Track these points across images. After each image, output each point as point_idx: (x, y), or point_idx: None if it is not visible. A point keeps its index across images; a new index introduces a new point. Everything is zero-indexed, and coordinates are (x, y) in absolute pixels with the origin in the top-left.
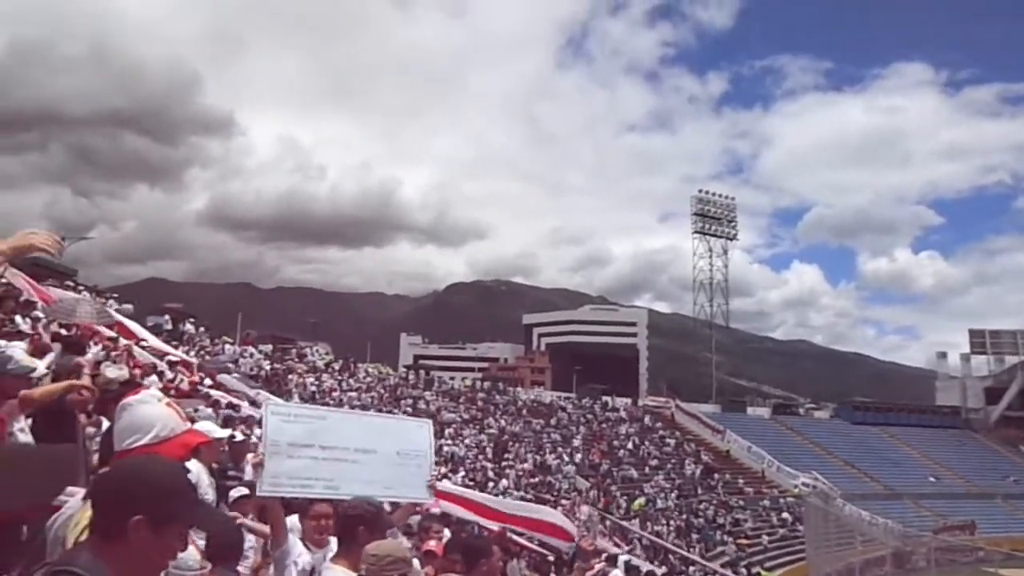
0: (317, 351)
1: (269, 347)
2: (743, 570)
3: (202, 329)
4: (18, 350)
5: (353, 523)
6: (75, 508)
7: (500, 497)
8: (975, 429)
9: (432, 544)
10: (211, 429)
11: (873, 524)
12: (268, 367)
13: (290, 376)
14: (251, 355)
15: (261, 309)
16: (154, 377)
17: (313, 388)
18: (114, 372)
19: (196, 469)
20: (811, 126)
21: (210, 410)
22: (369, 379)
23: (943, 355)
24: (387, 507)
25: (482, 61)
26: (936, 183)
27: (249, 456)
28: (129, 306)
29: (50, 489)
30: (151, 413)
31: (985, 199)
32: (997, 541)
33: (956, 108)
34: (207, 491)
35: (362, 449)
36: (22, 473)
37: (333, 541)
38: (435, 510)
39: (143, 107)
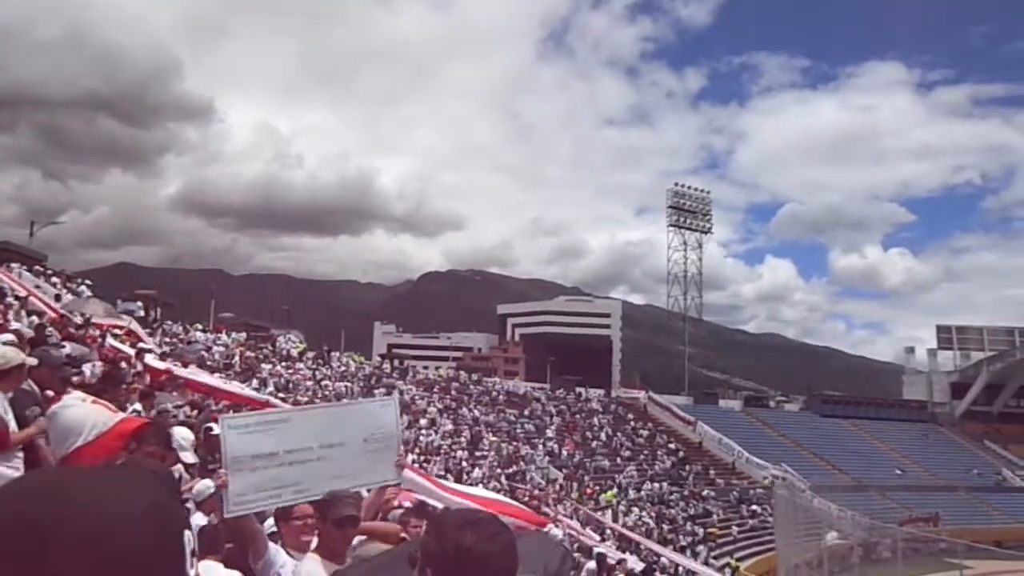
0: (290, 339)
1: (243, 335)
2: (713, 561)
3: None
4: None
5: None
6: None
7: (473, 487)
8: (940, 423)
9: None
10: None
11: (842, 516)
12: (240, 356)
13: (264, 365)
14: (223, 343)
15: (232, 295)
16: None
17: (287, 377)
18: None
19: None
20: (786, 123)
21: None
22: (343, 368)
23: (911, 350)
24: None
25: (463, 52)
26: (907, 181)
27: (196, 483)
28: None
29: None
30: (80, 414)
31: (954, 198)
32: (960, 532)
33: (928, 108)
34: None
35: (327, 444)
36: None
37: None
38: (407, 503)
39: (120, 91)
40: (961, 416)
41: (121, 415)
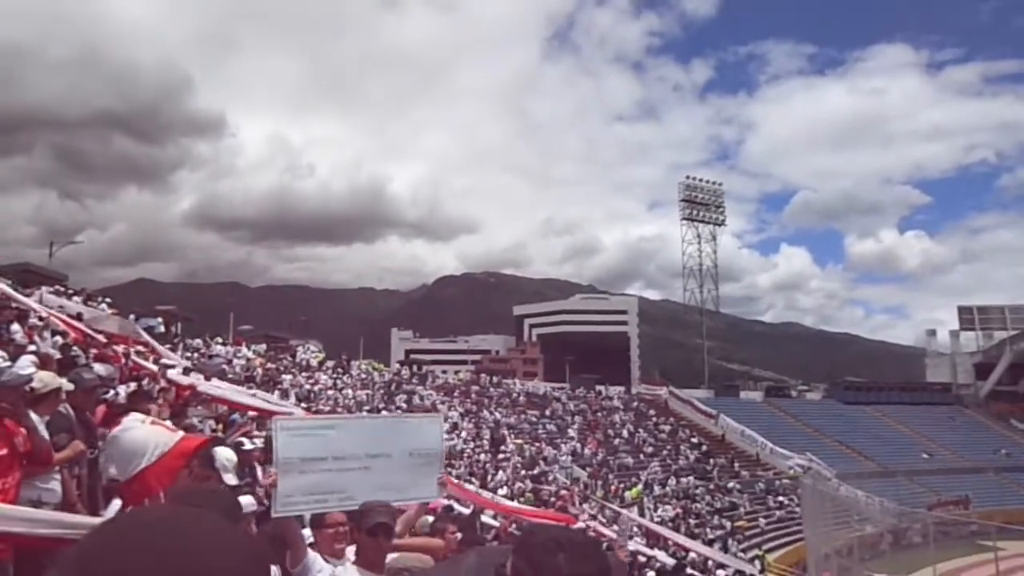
0: (309, 349)
1: (263, 346)
2: (742, 554)
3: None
4: (25, 361)
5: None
6: None
7: (497, 496)
8: (966, 405)
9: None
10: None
11: (869, 503)
12: (261, 368)
13: (284, 376)
14: (243, 355)
15: (250, 308)
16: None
17: (308, 387)
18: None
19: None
20: (795, 110)
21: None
22: (363, 376)
23: (932, 333)
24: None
25: (469, 55)
26: (920, 163)
27: (260, 474)
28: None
29: None
30: (140, 436)
31: (969, 178)
32: (991, 514)
33: (938, 88)
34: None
35: (374, 454)
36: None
37: (350, 550)
38: (443, 502)
39: (134, 109)
40: (986, 397)
41: (181, 434)
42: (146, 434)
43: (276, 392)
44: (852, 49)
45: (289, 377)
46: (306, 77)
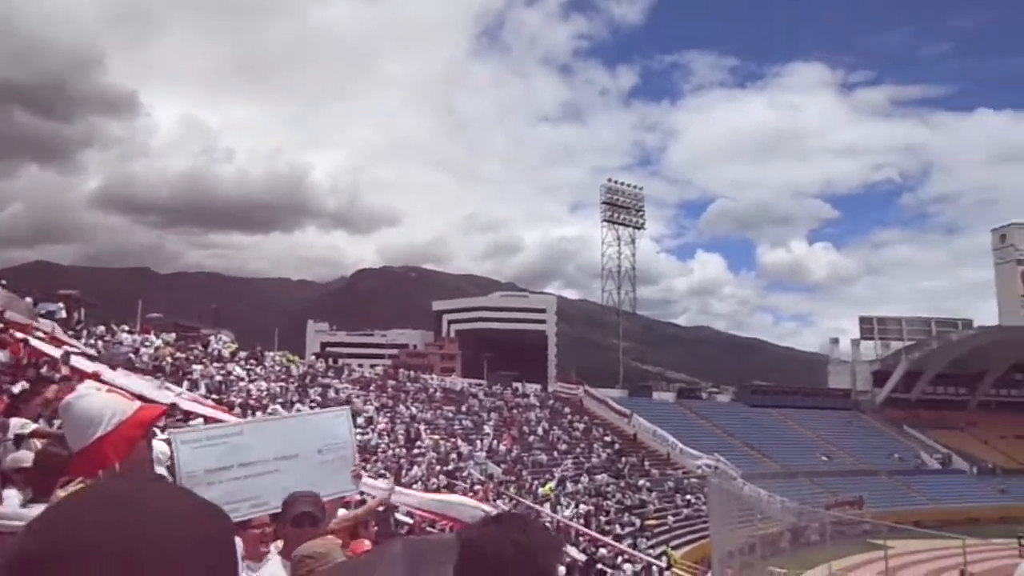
0: (221, 339)
1: (172, 335)
2: (650, 550)
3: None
4: None
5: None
6: None
7: (414, 488)
8: (863, 410)
9: (366, 543)
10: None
11: (771, 502)
12: (170, 357)
13: (195, 366)
14: (152, 344)
15: (160, 295)
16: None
17: (219, 378)
18: None
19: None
20: (716, 121)
21: None
22: (277, 368)
23: (835, 341)
24: None
25: (397, 47)
26: (831, 179)
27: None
28: None
29: None
30: (96, 404)
31: (874, 195)
32: (882, 515)
33: (850, 108)
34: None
35: (283, 456)
36: None
37: (274, 549)
38: (356, 496)
39: (38, 81)
40: (882, 403)
41: (138, 403)
42: (103, 402)
43: (186, 383)
44: (772, 64)
45: (200, 367)
46: (227, 60)
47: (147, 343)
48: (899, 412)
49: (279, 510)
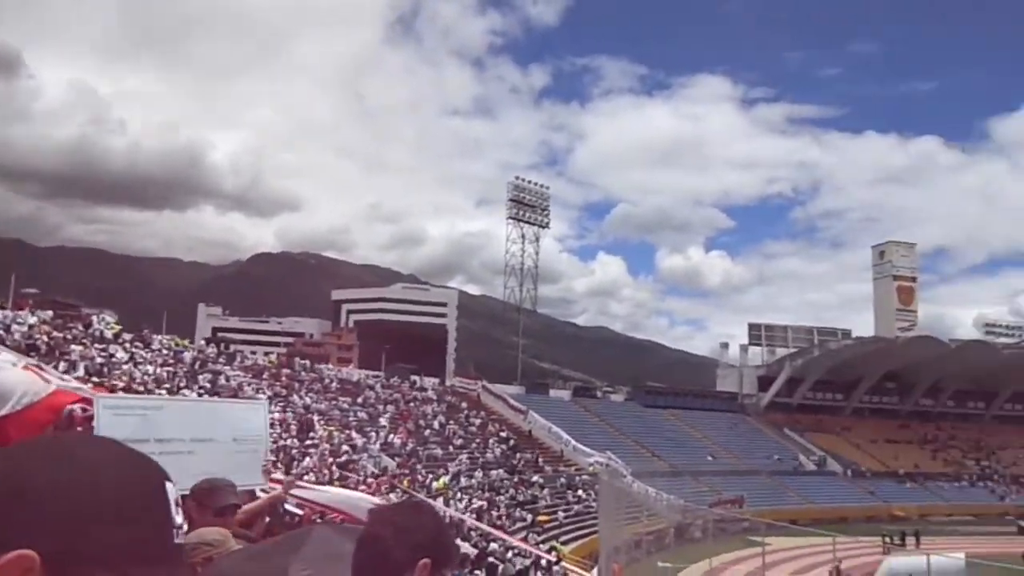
0: (103, 319)
1: (49, 313)
2: (541, 545)
3: None
4: None
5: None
6: None
7: (305, 480)
8: (748, 413)
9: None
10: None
11: (657, 500)
12: (46, 336)
13: (74, 347)
14: (25, 321)
15: (37, 269)
16: None
17: (101, 360)
18: None
19: None
20: (623, 126)
21: None
22: (165, 351)
23: (725, 345)
24: None
25: (306, 29)
26: (728, 189)
27: None
28: None
29: None
30: (9, 379)
31: (767, 208)
32: (761, 513)
33: (749, 122)
34: None
35: (198, 439)
36: None
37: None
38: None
39: None
40: (765, 407)
41: (55, 386)
42: (16, 379)
43: (62, 363)
44: (679, 75)
45: (79, 348)
46: (125, 25)
47: (20, 320)
48: (781, 416)
49: (188, 492)
